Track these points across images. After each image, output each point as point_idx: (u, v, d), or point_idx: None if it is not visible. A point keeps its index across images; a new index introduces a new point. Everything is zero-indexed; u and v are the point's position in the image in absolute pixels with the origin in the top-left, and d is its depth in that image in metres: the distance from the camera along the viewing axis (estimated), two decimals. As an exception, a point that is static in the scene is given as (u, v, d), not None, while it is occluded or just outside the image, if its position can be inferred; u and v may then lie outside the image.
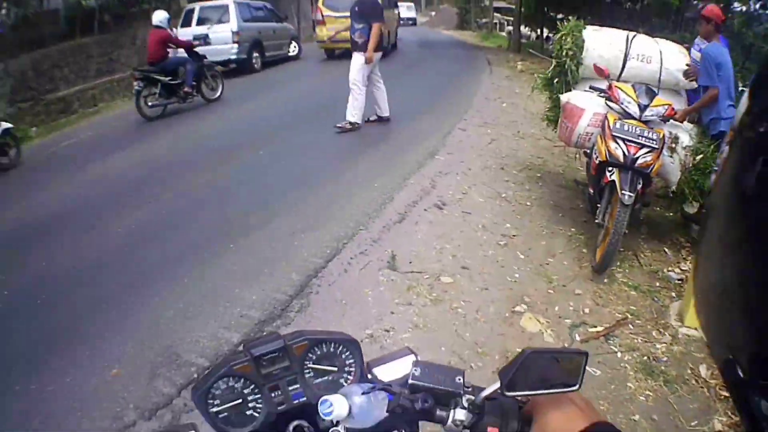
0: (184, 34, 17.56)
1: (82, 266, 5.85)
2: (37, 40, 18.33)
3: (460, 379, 1.09)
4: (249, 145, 9.71)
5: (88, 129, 13.43)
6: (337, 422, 1.09)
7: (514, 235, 5.91)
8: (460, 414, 1.05)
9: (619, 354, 4.06)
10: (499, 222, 6.23)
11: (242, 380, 1.14)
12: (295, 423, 1.15)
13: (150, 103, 12.99)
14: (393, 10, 23.10)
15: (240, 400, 1.14)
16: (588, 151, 5.87)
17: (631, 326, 4.39)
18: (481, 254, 5.52)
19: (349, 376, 1.20)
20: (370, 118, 10.55)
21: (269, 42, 20.53)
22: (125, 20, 21.69)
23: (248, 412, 1.14)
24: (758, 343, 1.01)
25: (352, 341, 1.22)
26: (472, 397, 1.07)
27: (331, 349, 1.20)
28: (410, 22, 50.42)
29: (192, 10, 18.99)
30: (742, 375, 1.01)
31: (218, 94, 14.93)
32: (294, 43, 22.95)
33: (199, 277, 5.31)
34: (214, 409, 1.11)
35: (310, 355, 1.19)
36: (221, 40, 17.95)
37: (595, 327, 4.37)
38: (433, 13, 68.56)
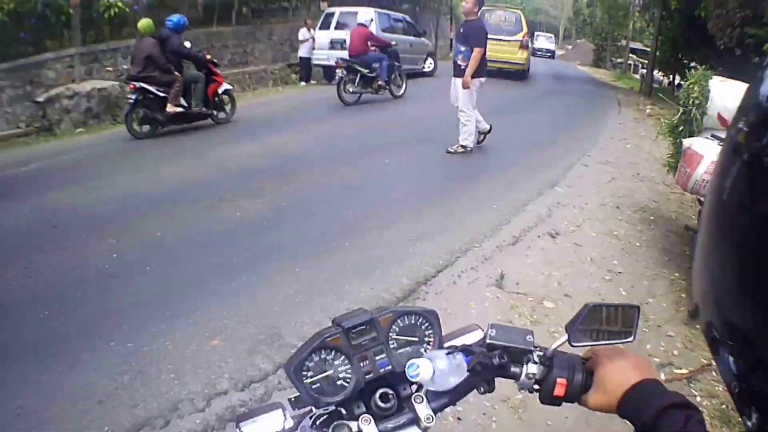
0: (321, 36, 18.63)
1: (199, 240, 6.31)
2: None
3: (530, 338, 1.21)
4: (379, 150, 10.21)
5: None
6: (419, 388, 1.24)
7: (619, 272, 5.99)
8: (532, 368, 1.18)
9: (698, 398, 4.07)
10: (608, 257, 6.31)
11: (333, 352, 1.23)
12: (381, 390, 1.23)
13: (351, 90, 14.60)
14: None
15: (331, 371, 1.23)
16: (702, 198, 5.92)
17: (714, 373, 4.39)
18: (586, 285, 5.64)
19: (428, 346, 1.30)
20: (479, 140, 10.69)
21: (405, 55, 20.49)
22: (264, 15, 22.07)
23: (339, 382, 1.23)
24: (725, 312, 1.17)
25: (431, 312, 1.33)
26: (542, 353, 1.19)
27: (413, 321, 1.31)
28: (548, 53, 50.66)
29: (331, 14, 19.60)
30: (717, 335, 1.17)
31: (402, 91, 16.09)
32: (430, 59, 23.22)
33: (312, 268, 5.58)
34: (308, 381, 1.20)
35: (394, 327, 1.29)
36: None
37: (681, 369, 4.41)
38: (570, 47, 67.71)
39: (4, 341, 4.50)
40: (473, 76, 9.70)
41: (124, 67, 15.39)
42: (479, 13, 10.09)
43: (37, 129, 13.85)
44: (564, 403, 1.21)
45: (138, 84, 11.09)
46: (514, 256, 6.06)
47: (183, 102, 11.77)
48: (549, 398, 1.18)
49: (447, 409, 1.28)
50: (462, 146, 10.16)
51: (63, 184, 8.66)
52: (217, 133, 12.15)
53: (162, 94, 11.28)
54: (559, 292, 5.42)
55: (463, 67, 9.76)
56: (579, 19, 60.79)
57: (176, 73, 11.51)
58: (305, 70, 20.64)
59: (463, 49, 9.82)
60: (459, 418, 3.52)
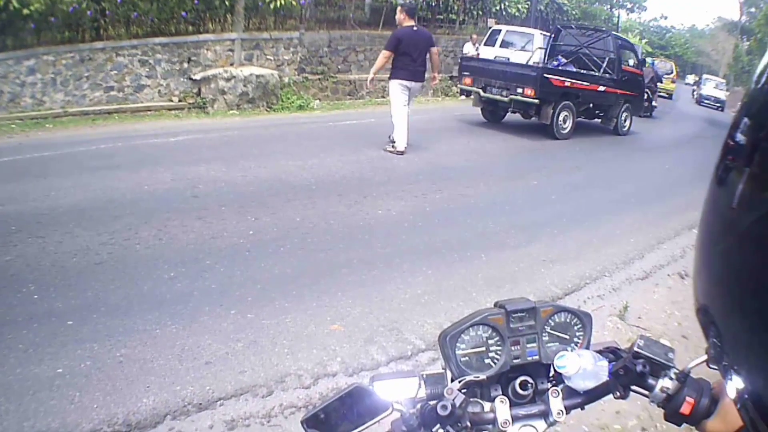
0: (485, 52, 18.42)
1: (337, 231, 6.46)
2: (338, 20, 18.94)
3: (671, 355, 1.20)
4: (527, 171, 10.35)
5: (371, 116, 14.65)
6: (556, 383, 1.25)
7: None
8: (667, 383, 1.16)
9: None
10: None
11: (491, 330, 1.27)
12: (522, 378, 1.25)
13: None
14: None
15: (483, 348, 1.27)
16: None
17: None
18: (704, 330, 5.82)
19: (575, 347, 1.31)
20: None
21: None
22: (431, 25, 21.78)
23: (486, 360, 1.27)
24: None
25: (587, 315, 1.34)
26: (678, 371, 1.17)
27: (568, 320, 1.32)
28: (717, 104, 38.60)
29: (498, 32, 19.59)
30: (711, 319, 1.25)
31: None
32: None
33: (444, 272, 5.66)
34: (459, 352, 1.25)
35: (551, 321, 1.31)
36: (520, 66, 18.35)
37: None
38: (727, 93, 64.86)
39: (125, 292, 4.80)
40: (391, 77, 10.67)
41: (285, 57, 16.22)
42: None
43: (190, 105, 14.62)
44: (684, 425, 1.21)
45: None
46: (641, 291, 6.03)
47: None
48: (674, 415, 1.18)
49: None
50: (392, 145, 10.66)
51: (209, 159, 9.08)
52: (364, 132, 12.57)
53: None
54: (677, 332, 5.31)
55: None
56: (738, 66, 56.47)
57: None
58: (467, 84, 21.00)
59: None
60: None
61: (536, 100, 13.40)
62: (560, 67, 14.62)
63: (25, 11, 12.90)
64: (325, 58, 18.08)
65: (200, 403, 3.56)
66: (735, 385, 0.97)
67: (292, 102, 15.91)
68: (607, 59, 15.28)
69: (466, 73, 15.00)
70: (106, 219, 6.32)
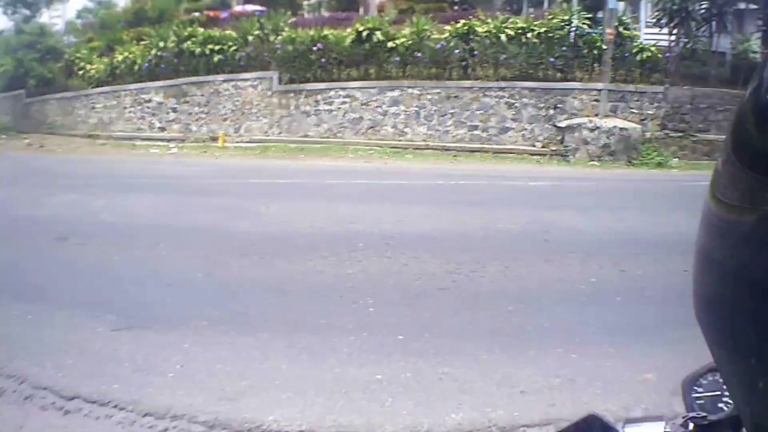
0: None
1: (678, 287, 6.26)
2: (701, 77, 18.33)
3: None
4: None
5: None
6: None
7: None
8: None
9: None
10: None
11: None
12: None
13: None
14: None
15: (718, 393, 1.25)
16: None
17: None
18: None
19: None
20: None
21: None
22: None
23: (720, 404, 1.24)
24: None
25: None
26: None
27: None
28: None
29: None
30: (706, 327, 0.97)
31: None
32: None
33: None
34: (695, 395, 1.25)
35: None
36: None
37: None
38: None
39: (462, 318, 5.08)
40: None
41: (648, 112, 16.16)
42: None
43: (552, 152, 14.92)
44: None
45: None
46: None
47: None
48: None
49: None
50: None
51: (564, 206, 9.30)
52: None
53: None
54: None
55: None
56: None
57: None
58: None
59: None
60: None
61: None
62: None
63: (390, 44, 14.04)
64: (687, 116, 17.54)
65: (504, 426, 3.66)
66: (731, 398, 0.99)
67: (652, 158, 15.61)
68: None
69: None
70: (455, 250, 6.65)
